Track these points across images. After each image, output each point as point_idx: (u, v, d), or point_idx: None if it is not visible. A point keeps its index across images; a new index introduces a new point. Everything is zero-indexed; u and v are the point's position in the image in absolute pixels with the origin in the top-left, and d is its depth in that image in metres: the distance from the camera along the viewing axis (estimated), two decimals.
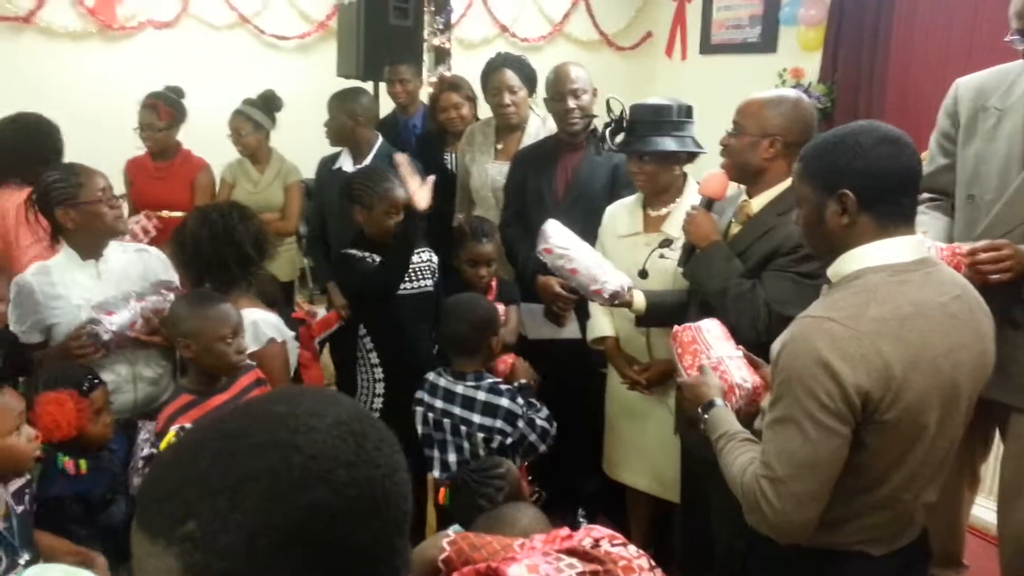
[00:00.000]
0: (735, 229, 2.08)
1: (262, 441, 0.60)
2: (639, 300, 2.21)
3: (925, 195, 2.27)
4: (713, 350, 1.74)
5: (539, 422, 2.26)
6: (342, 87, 3.52)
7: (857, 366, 1.27)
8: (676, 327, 1.85)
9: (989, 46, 4.84)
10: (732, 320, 1.90)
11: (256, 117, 3.81)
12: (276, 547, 0.57)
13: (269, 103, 3.87)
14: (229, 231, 2.21)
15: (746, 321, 1.90)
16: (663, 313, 2.22)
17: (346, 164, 3.37)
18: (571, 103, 2.80)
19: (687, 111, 2.32)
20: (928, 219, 2.21)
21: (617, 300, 2.19)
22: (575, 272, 2.21)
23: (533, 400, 2.32)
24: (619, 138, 2.34)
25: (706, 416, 1.61)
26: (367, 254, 2.60)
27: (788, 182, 1.94)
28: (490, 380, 2.28)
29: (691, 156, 2.38)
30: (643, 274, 2.33)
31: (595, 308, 2.56)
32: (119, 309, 2.10)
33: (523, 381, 2.38)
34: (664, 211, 2.39)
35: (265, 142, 3.88)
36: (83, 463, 1.90)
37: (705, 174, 2.12)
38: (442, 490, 1.96)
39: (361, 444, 0.63)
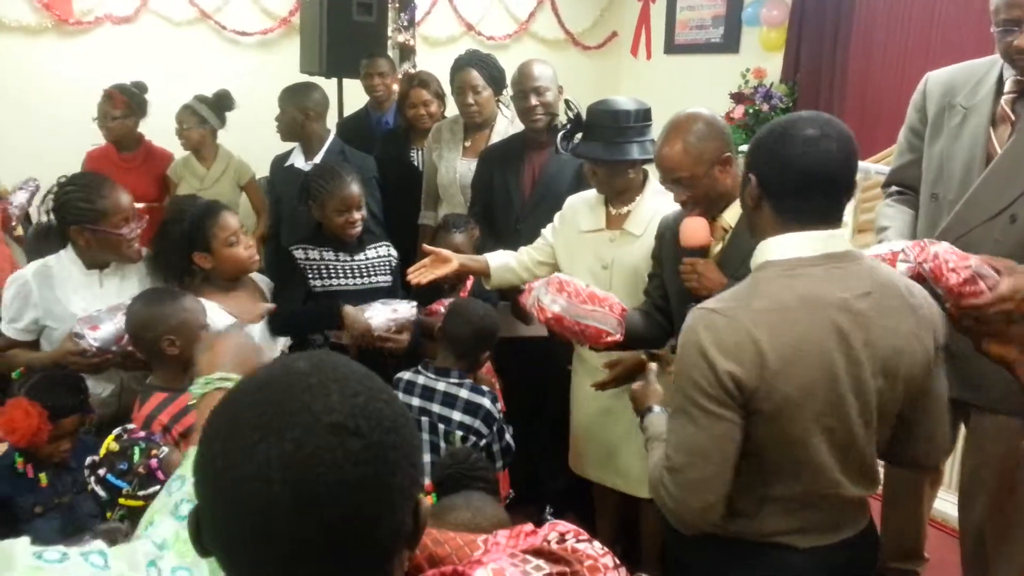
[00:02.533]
0: (716, 247, 2.02)
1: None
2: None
3: (893, 188, 2.30)
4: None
5: (507, 436, 2.30)
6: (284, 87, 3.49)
7: (730, 353, 1.30)
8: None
9: (946, 47, 4.94)
10: None
11: (202, 112, 3.81)
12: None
13: (221, 101, 3.88)
14: (175, 225, 2.23)
15: None
16: (638, 334, 2.13)
17: (298, 160, 3.34)
18: (533, 100, 2.79)
19: (646, 114, 2.30)
20: (893, 212, 2.22)
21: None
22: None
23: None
24: (577, 140, 2.32)
25: (644, 423, 1.66)
26: (316, 249, 2.59)
27: None
28: (471, 380, 2.32)
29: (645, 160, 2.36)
30: (605, 268, 2.34)
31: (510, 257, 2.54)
32: (104, 323, 2.03)
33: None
34: (625, 209, 2.38)
35: (211, 138, 3.90)
36: (43, 476, 1.88)
37: (683, 225, 1.99)
38: (428, 486, 1.93)
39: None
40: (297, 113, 3.26)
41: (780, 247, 1.38)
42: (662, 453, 1.44)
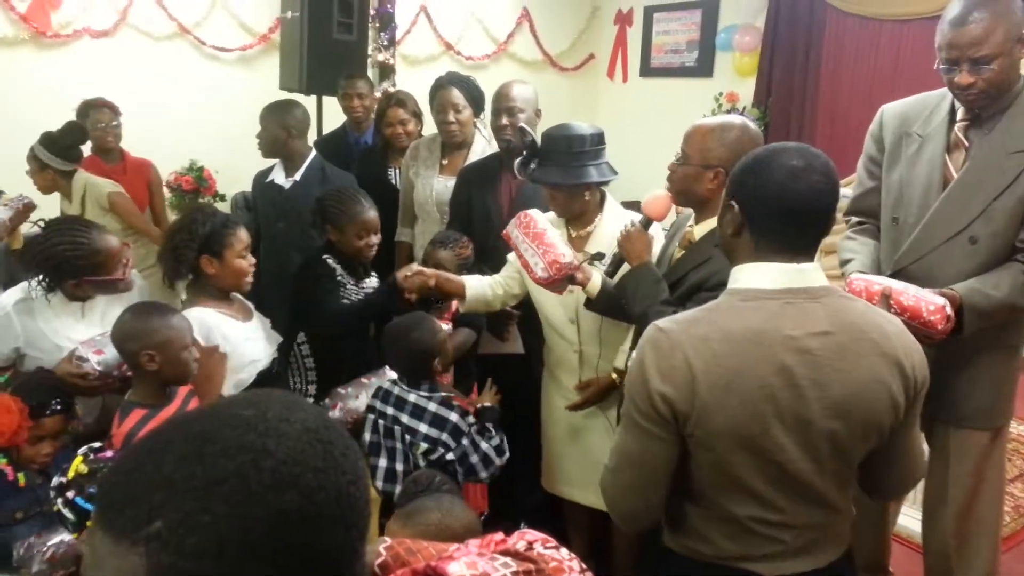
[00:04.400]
0: (678, 254, 2.09)
1: (231, 445, 0.60)
2: (595, 280, 2.20)
3: (854, 218, 2.37)
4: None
5: (483, 446, 2.27)
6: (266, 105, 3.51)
7: (666, 376, 1.31)
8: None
9: (912, 75, 5.09)
10: None
11: (41, 156, 3.54)
12: (245, 549, 0.58)
13: (65, 136, 3.56)
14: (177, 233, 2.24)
15: None
16: (613, 301, 2.19)
17: (278, 177, 3.34)
18: (504, 120, 2.85)
19: (600, 138, 2.34)
20: (856, 244, 2.29)
21: (570, 271, 2.15)
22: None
23: (490, 426, 2.33)
24: (532, 166, 2.36)
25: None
26: (339, 269, 2.63)
27: None
28: (443, 394, 2.31)
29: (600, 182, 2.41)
30: (571, 291, 2.37)
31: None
32: (107, 347, 2.03)
33: (487, 404, 2.40)
34: (585, 231, 2.42)
35: (60, 179, 3.59)
36: (22, 476, 1.86)
37: (650, 194, 2.13)
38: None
39: (329, 450, 0.63)
40: (279, 130, 3.27)
41: (747, 276, 1.38)
42: None
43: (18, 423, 1.81)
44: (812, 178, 1.33)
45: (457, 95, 3.13)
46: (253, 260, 2.30)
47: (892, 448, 1.42)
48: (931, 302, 1.87)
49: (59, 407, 1.94)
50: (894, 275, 2.12)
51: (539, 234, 2.17)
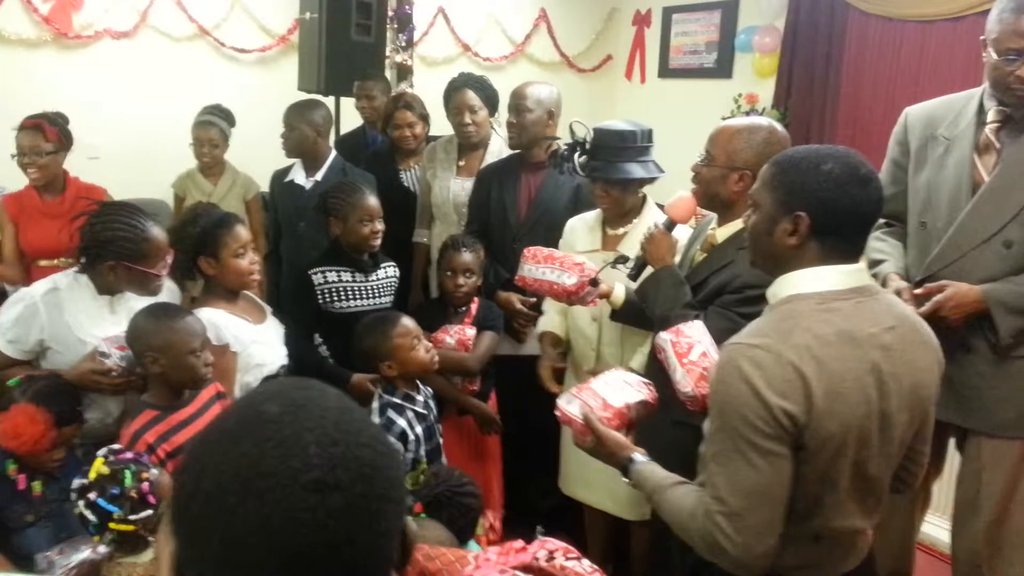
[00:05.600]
0: (699, 257, 2.07)
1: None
2: (619, 292, 2.23)
3: (880, 220, 2.33)
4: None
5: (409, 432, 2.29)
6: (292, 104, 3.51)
7: (781, 390, 1.27)
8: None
9: (936, 77, 5.02)
10: None
11: (222, 126, 3.78)
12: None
13: (227, 115, 3.84)
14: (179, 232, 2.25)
15: None
16: (638, 310, 2.19)
17: (299, 177, 3.35)
18: (512, 117, 2.88)
19: (648, 135, 2.35)
20: (886, 246, 2.26)
21: (591, 284, 2.17)
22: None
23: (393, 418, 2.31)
24: (582, 161, 2.37)
25: (631, 476, 1.57)
26: (334, 271, 2.60)
27: None
28: (389, 397, 2.32)
29: (651, 178, 2.41)
30: (594, 282, 2.36)
31: (549, 304, 2.59)
32: None
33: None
34: (622, 231, 2.42)
35: (223, 154, 3.87)
36: (37, 485, 1.86)
37: (674, 196, 2.10)
38: (418, 507, 1.93)
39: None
40: (309, 130, 3.27)
41: (810, 281, 1.36)
42: (696, 499, 1.38)
43: (42, 432, 1.80)
44: (874, 184, 1.37)
45: (472, 96, 3.13)
46: (255, 258, 2.28)
47: (920, 437, 1.48)
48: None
49: (77, 415, 1.93)
50: (924, 280, 2.09)
51: (549, 255, 2.21)
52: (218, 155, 3.79)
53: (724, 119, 2.11)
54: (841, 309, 1.34)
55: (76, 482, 1.65)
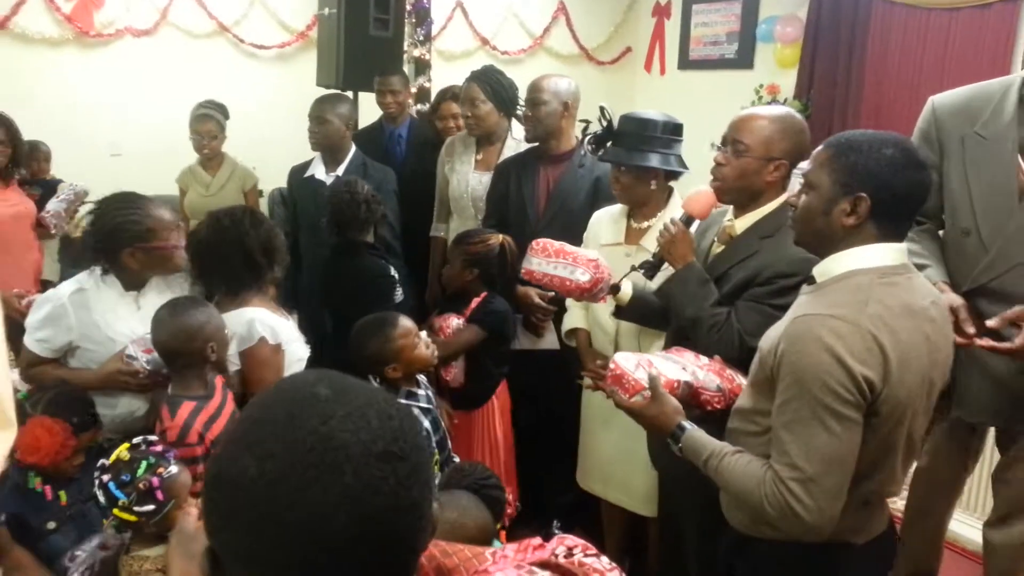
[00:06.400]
0: (717, 249, 2.02)
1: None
2: (626, 288, 2.17)
3: None
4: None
5: None
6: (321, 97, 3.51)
7: (863, 358, 1.33)
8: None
9: (962, 65, 4.94)
10: (706, 349, 1.87)
11: (218, 118, 3.82)
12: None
13: (222, 108, 3.89)
14: (240, 236, 2.19)
15: (721, 352, 1.85)
16: (645, 309, 2.19)
17: (319, 172, 3.35)
18: (528, 110, 2.88)
19: (674, 128, 2.31)
20: (922, 248, 2.07)
21: (601, 285, 2.11)
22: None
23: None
24: (606, 146, 2.36)
25: (679, 445, 1.57)
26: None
27: (773, 205, 1.91)
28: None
29: (673, 173, 2.38)
30: (615, 288, 2.34)
31: (571, 302, 2.57)
32: None
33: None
34: (646, 224, 2.39)
35: (221, 145, 3.93)
36: (63, 495, 1.86)
37: (691, 191, 2.05)
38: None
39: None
40: (341, 124, 3.28)
41: (868, 257, 1.43)
42: (761, 467, 1.41)
43: (61, 443, 1.80)
44: (928, 170, 1.45)
45: (477, 90, 3.12)
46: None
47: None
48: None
49: (93, 420, 1.94)
50: (970, 293, 1.97)
51: (560, 249, 2.14)
52: (216, 146, 3.87)
53: (744, 108, 2.06)
54: (899, 283, 1.42)
55: (101, 461, 1.68)
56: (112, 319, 2.10)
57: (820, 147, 1.50)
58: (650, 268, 2.07)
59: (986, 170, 1.94)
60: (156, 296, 2.17)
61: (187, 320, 1.96)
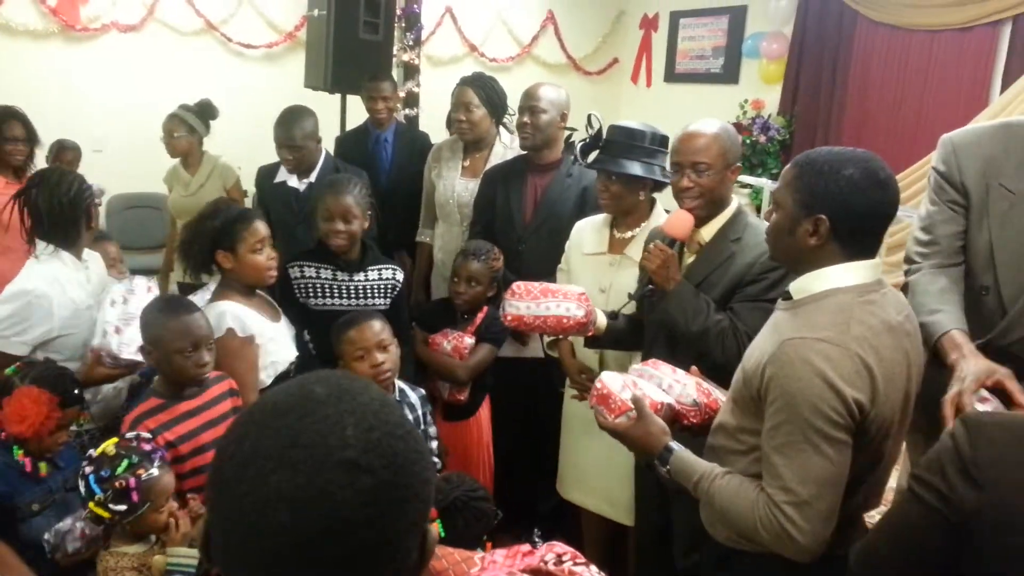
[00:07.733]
0: (688, 259, 2.07)
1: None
2: (601, 318, 2.20)
3: (926, 248, 1.91)
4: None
5: None
6: (307, 98, 3.48)
7: (852, 381, 1.33)
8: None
9: (943, 84, 5.02)
10: (717, 358, 1.90)
11: (189, 121, 3.79)
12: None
13: (205, 111, 3.87)
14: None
15: (732, 358, 1.82)
16: (618, 333, 2.24)
17: (291, 180, 3.26)
18: (525, 118, 2.86)
19: (661, 140, 2.34)
20: (936, 289, 1.83)
21: (592, 317, 2.13)
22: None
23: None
24: (593, 155, 2.37)
25: (668, 467, 1.56)
26: (313, 267, 2.60)
27: (732, 208, 2.04)
28: None
29: (659, 185, 2.40)
30: (603, 291, 2.36)
31: None
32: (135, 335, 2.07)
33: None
34: (629, 234, 2.41)
35: (198, 147, 3.88)
36: (43, 466, 1.86)
37: (670, 215, 2.08)
38: (433, 513, 1.90)
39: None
40: (312, 142, 3.20)
41: (843, 275, 1.43)
42: (754, 489, 1.41)
43: (47, 413, 1.80)
44: (893, 186, 1.43)
45: (471, 95, 3.12)
46: (273, 254, 2.28)
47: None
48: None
49: (79, 396, 1.94)
50: (980, 348, 1.70)
51: (544, 289, 2.13)
52: (180, 145, 3.83)
53: (687, 128, 2.06)
54: (876, 300, 1.42)
55: (89, 452, 1.68)
56: (77, 292, 2.20)
57: (788, 165, 1.52)
58: (649, 294, 2.07)
59: (1010, 227, 1.78)
60: (93, 265, 2.31)
61: (143, 313, 1.98)
